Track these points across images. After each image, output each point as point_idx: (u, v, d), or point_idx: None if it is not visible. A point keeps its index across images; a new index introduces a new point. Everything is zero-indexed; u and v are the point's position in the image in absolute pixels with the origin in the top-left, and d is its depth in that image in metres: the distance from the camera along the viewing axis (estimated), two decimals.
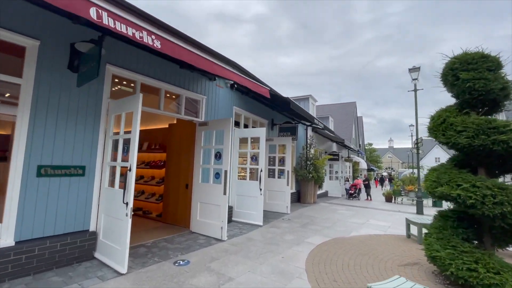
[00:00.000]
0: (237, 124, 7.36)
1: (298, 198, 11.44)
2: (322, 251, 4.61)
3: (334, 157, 16.52)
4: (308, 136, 12.61)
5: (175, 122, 6.46)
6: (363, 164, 28.97)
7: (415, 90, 10.42)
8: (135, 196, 7.10)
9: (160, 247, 4.48)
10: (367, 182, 14.96)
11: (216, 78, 6.21)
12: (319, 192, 15.03)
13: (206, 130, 5.57)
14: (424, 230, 5.56)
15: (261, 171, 6.34)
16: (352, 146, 17.10)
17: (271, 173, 8.59)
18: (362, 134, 37.24)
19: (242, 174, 7.83)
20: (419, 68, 10.35)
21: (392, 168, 69.41)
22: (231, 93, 6.89)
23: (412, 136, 22.73)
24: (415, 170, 30.58)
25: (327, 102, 29.63)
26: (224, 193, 5.00)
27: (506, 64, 3.46)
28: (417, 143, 10.03)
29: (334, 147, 19.01)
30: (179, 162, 6.11)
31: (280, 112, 9.55)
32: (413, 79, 10.42)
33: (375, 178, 37.05)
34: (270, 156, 8.63)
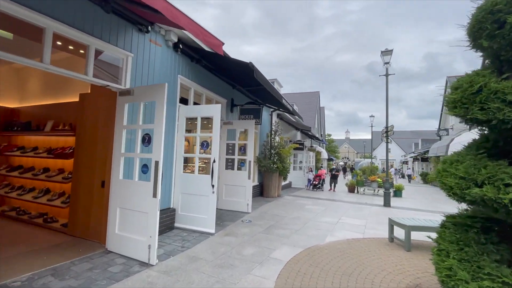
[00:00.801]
0: (184, 101, 5.63)
1: (261, 191, 10.17)
2: (295, 274, 3.30)
3: (299, 146, 15.65)
4: (273, 121, 11.33)
5: (89, 91, 4.50)
6: (324, 154, 29.18)
7: (387, 75, 9.74)
8: (34, 197, 5.00)
9: None
10: (337, 173, 14.30)
11: (151, 28, 4.36)
12: (283, 183, 14.04)
13: (130, 101, 3.78)
14: (414, 235, 4.65)
15: (214, 161, 4.78)
16: (317, 135, 16.41)
17: (229, 164, 7.08)
18: (323, 124, 37.71)
19: (191, 165, 6.18)
20: (391, 51, 9.64)
21: (348, 158, 73.40)
22: (176, 57, 5.10)
23: (372, 126, 23.14)
24: (374, 160, 31.64)
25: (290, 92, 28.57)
26: (154, 195, 3.35)
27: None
28: (387, 131, 9.42)
29: (299, 136, 18.20)
30: (94, 149, 4.22)
31: (243, 92, 8.01)
32: (385, 63, 9.70)
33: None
34: (229, 143, 7.09)
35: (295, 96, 30.97)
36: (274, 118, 11.90)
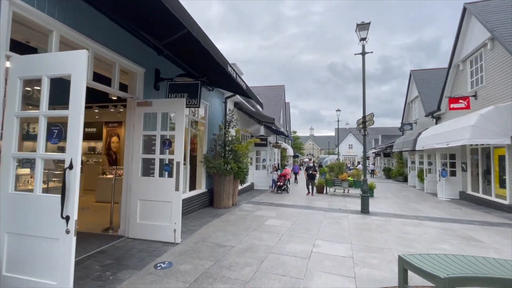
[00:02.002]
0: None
1: (210, 200, 7.81)
2: None
3: (262, 142, 13.59)
4: (228, 110, 9.00)
5: None
6: (290, 151, 27.76)
7: (363, 54, 8.03)
8: None
9: None
10: (314, 173, 11.90)
11: None
12: (244, 185, 11.84)
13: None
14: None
15: (71, 167, 2.30)
16: (282, 130, 14.54)
17: (150, 169, 4.57)
18: (289, 120, 36.47)
19: (26, 175, 3.54)
20: (368, 24, 7.95)
21: (312, 155, 74.34)
22: None
23: (338, 121, 22.10)
24: (336, 156, 30.84)
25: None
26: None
27: None
28: (364, 122, 7.72)
29: (262, 131, 16.15)
30: None
31: (175, 62, 5.52)
32: (361, 39, 7.99)
33: (309, 166, 37.13)
34: (147, 135, 4.60)
35: (260, 89, 28.99)
36: (230, 107, 9.59)
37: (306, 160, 60.05)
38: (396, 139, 29.49)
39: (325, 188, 12.75)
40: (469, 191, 11.18)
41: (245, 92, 5.52)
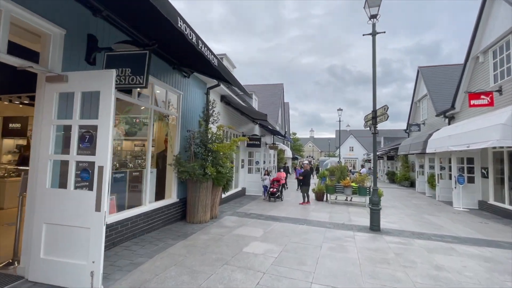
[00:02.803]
0: None
1: (183, 213, 6.31)
2: None
3: (255, 142, 12.11)
4: (211, 104, 7.53)
5: None
6: (288, 153, 26.28)
7: (374, 34, 6.56)
8: None
9: None
10: (302, 177, 10.40)
11: None
12: (233, 191, 10.35)
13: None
14: None
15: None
16: (278, 129, 13.06)
17: (62, 177, 3.08)
18: (288, 120, 35.02)
19: None
20: (380, 1, 6.51)
21: (312, 157, 72.84)
22: None
23: (340, 121, 20.64)
24: (337, 158, 29.18)
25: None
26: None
27: None
28: (375, 117, 6.23)
29: (257, 130, 14.69)
30: None
31: (118, 25, 4.05)
32: (371, 17, 6.53)
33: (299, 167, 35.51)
34: (61, 125, 3.12)
35: (257, 87, 27.58)
36: (215, 99, 8.13)
37: (306, 162, 58.61)
38: (399, 142, 28.02)
39: (325, 195, 11.26)
40: (491, 201, 9.68)
41: (217, 71, 4.04)
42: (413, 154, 16.33)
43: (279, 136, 20.77)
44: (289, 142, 38.53)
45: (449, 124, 13.21)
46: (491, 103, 9.27)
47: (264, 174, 10.69)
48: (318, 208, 9.24)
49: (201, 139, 6.26)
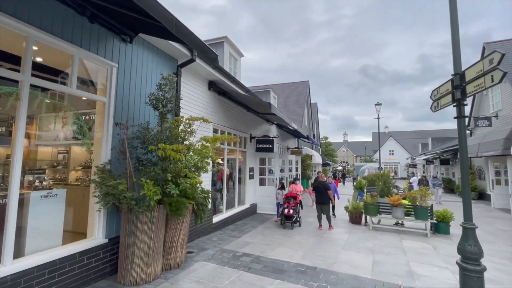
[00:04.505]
0: None
1: (114, 265, 3.82)
2: None
3: (265, 145, 9.40)
4: (170, 79, 5.05)
5: None
6: (317, 158, 22.94)
7: None
8: None
9: None
10: (319, 189, 7.29)
11: None
12: (235, 210, 7.76)
13: None
14: None
15: None
16: (297, 128, 10.19)
17: None
18: (316, 122, 31.57)
19: None
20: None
21: (346, 162, 67.25)
22: None
23: (379, 118, 16.98)
24: (375, 164, 25.18)
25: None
26: None
27: None
28: (462, 79, 3.21)
29: (273, 132, 12.00)
30: None
31: None
32: None
33: (333, 175, 31.58)
34: None
35: (280, 87, 24.93)
36: (199, 86, 5.70)
37: (340, 168, 53.51)
38: (452, 143, 22.94)
39: (363, 217, 8.08)
40: None
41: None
42: (486, 156, 12.17)
43: (305, 140, 17.77)
44: (318, 147, 34.97)
45: None
46: None
47: (278, 188, 7.89)
48: (353, 239, 6.17)
49: (142, 139, 3.78)
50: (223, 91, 7.13)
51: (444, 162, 22.09)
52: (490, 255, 5.23)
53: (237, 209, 8.21)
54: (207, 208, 4.42)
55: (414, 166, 37.92)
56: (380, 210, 7.60)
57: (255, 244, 5.49)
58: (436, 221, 7.03)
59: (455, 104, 3.26)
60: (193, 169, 4.13)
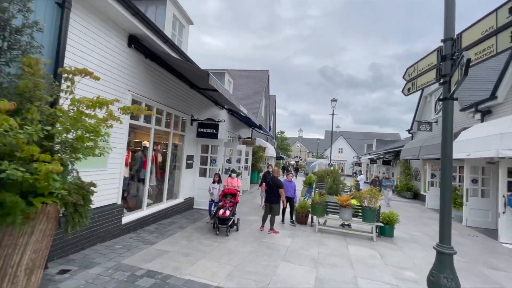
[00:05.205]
0: None
1: None
2: None
3: (208, 130, 8.00)
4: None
5: None
6: (271, 151, 22.30)
7: None
8: None
9: None
10: (270, 186, 6.23)
11: None
12: (166, 205, 6.24)
13: None
14: None
15: None
16: (244, 111, 8.98)
17: None
18: (274, 114, 31.05)
19: None
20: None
21: (299, 157, 69.43)
22: None
23: (333, 114, 16.83)
24: (326, 160, 24.89)
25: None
26: None
27: None
28: (450, 54, 2.31)
29: (223, 117, 10.64)
30: None
31: None
32: None
33: (283, 168, 31.58)
34: None
35: (238, 73, 23.47)
36: (112, 41, 3.97)
37: (293, 162, 54.67)
38: (395, 145, 24.63)
39: (310, 218, 7.34)
40: None
41: None
42: (425, 159, 12.73)
43: (260, 131, 16.80)
44: (274, 140, 34.72)
45: (482, 121, 9.64)
46: None
47: (214, 182, 6.60)
48: (296, 245, 5.26)
49: None
50: (152, 53, 5.48)
51: (386, 163, 23.48)
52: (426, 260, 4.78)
53: (165, 205, 6.70)
54: (87, 210, 2.90)
55: (359, 164, 40.49)
56: (328, 210, 6.91)
57: (171, 255, 4.14)
58: (382, 224, 6.59)
59: (442, 81, 2.34)
60: (58, 148, 2.57)
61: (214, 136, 8.06)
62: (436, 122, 14.13)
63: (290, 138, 64.56)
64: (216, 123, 8.08)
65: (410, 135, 18.22)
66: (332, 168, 13.34)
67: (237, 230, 5.89)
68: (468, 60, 1.87)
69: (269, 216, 6.21)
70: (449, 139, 2.24)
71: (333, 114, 16.44)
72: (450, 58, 2.28)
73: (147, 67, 5.50)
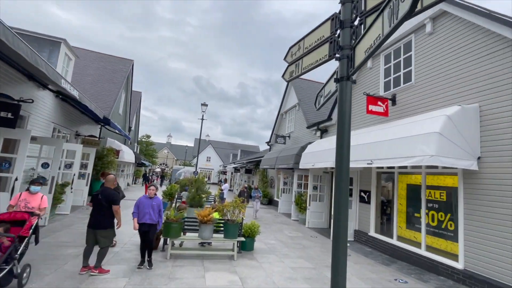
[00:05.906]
0: None
1: None
2: None
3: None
4: None
5: None
6: (128, 155, 18.63)
7: None
8: None
9: None
10: (98, 201, 4.17)
11: None
12: None
13: None
14: None
15: None
16: (74, 94, 6.30)
17: None
18: (137, 114, 26.76)
19: None
20: None
21: (166, 164, 64.84)
22: None
23: (202, 119, 16.03)
24: (192, 168, 23.96)
25: None
26: None
27: None
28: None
29: (49, 102, 7.12)
30: None
31: None
32: None
33: (144, 177, 27.53)
34: None
35: (90, 53, 18.46)
36: None
37: (158, 170, 49.79)
38: (256, 155, 27.35)
39: (163, 240, 5.75)
40: (372, 232, 7.81)
41: None
42: (280, 168, 14.14)
43: (111, 128, 13.34)
44: (135, 144, 30.04)
45: (321, 137, 11.65)
46: (385, 113, 7.56)
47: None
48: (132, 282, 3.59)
49: None
50: None
51: (248, 171, 25.29)
52: (308, 278, 4.50)
53: None
54: None
55: (225, 173, 42.28)
56: (186, 227, 5.63)
57: None
58: (244, 238, 6.02)
59: (338, 56, 1.64)
60: None
61: (11, 123, 4.95)
62: (289, 136, 16.33)
63: (157, 143, 59.08)
64: (16, 103, 5.02)
65: (269, 147, 20.37)
66: (197, 176, 12.28)
67: (20, 286, 3.40)
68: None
69: (96, 247, 4.14)
70: (346, 130, 1.55)
71: (202, 118, 15.67)
72: (349, 25, 1.63)
73: None
